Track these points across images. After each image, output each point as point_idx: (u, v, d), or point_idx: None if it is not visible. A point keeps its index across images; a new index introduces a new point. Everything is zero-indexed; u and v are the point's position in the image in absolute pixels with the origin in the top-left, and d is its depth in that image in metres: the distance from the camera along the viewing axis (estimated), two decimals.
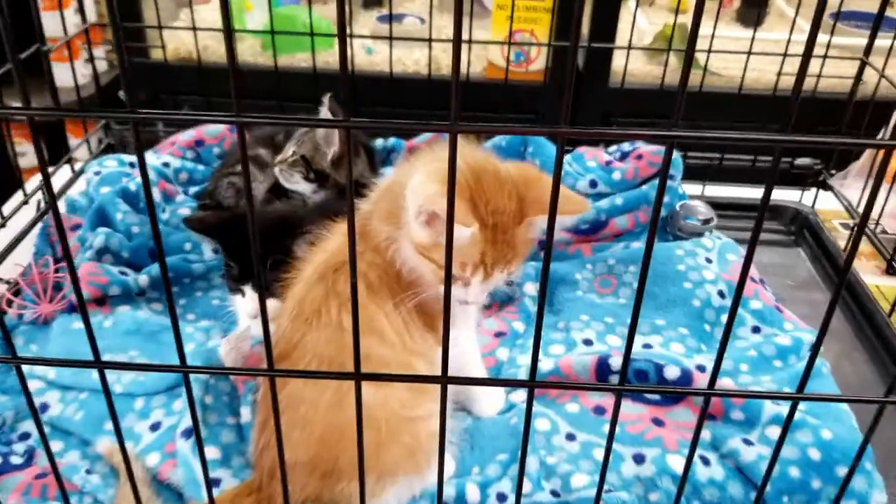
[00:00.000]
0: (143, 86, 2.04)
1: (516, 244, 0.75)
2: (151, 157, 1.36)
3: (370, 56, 1.99)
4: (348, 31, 1.52)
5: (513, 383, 0.91)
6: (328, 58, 1.99)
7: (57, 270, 1.11)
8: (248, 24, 1.96)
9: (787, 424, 0.60)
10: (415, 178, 0.72)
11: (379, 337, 0.76)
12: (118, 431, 0.64)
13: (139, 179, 1.24)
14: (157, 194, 1.27)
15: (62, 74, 1.51)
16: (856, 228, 1.28)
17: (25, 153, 2.33)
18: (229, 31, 0.43)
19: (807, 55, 0.46)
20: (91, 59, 1.38)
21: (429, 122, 0.48)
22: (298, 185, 1.14)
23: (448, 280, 0.53)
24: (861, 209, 1.28)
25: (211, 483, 0.81)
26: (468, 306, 0.82)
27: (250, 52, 2.01)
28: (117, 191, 1.21)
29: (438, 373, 0.57)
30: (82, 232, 1.16)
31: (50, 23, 1.37)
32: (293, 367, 0.75)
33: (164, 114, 0.49)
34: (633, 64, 1.94)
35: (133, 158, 1.36)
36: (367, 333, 0.76)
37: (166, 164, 1.34)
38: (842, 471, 0.82)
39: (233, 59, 0.45)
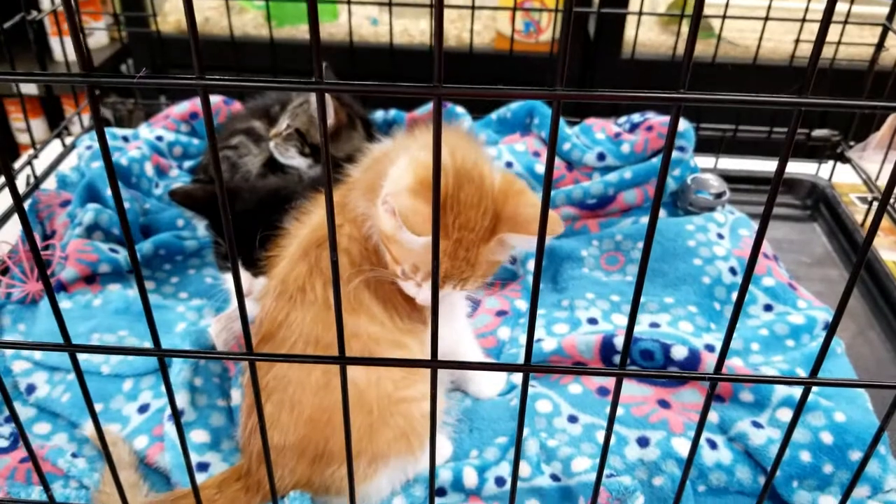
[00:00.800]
0: (145, 58, 2.00)
1: (477, 263, 0.71)
2: (145, 131, 1.32)
3: (375, 27, 1.94)
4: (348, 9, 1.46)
5: (506, 367, 0.86)
6: (331, 29, 1.95)
7: (46, 248, 1.08)
8: None
9: (799, 410, 0.56)
10: (401, 161, 0.68)
11: (367, 314, 0.73)
12: (93, 416, 0.61)
13: (131, 153, 1.21)
14: (150, 169, 1.23)
15: (61, 48, 1.47)
16: (876, 204, 1.23)
17: (25, 129, 2.31)
18: None
19: (826, 19, 0.41)
20: (81, 30, 1.34)
21: (410, 84, 0.44)
22: (294, 159, 1.10)
23: (435, 263, 0.49)
24: (881, 182, 1.23)
25: (197, 468, 0.79)
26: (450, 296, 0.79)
27: (253, 24, 1.97)
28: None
29: (428, 355, 0.54)
30: (72, 208, 1.13)
31: None
32: (279, 347, 0.72)
33: (119, 78, 0.45)
34: (646, 34, 1.89)
35: (127, 132, 1.32)
36: (356, 311, 0.72)
37: (160, 138, 1.30)
38: (855, 455, 0.78)
39: (192, 22, 0.41)
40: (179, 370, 0.85)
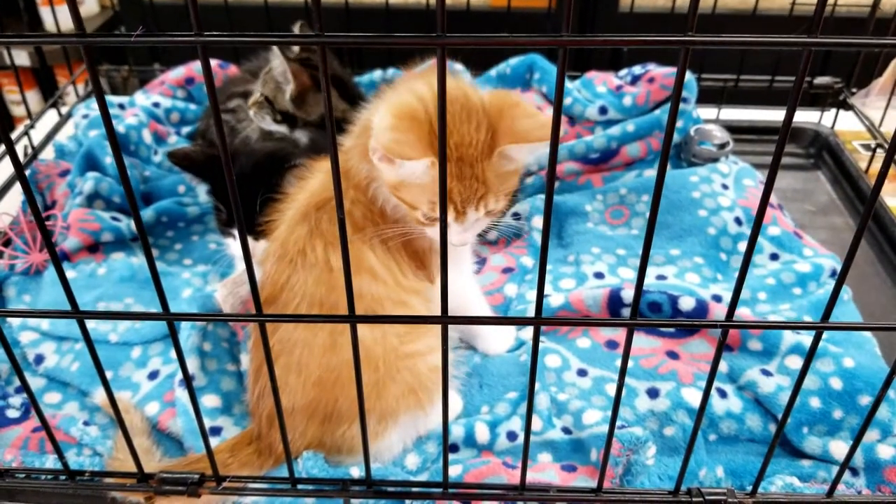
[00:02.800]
0: (137, 26, 1.97)
1: (487, 178, 0.70)
2: (141, 98, 1.31)
3: None
4: None
5: (517, 321, 0.87)
6: None
7: (47, 218, 1.08)
8: None
9: (811, 356, 0.56)
10: (378, 111, 0.68)
11: (370, 274, 0.72)
12: (105, 383, 0.61)
13: (129, 121, 1.20)
14: (148, 136, 1.22)
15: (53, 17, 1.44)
16: (880, 151, 1.22)
17: (21, 102, 2.29)
18: None
19: None
20: None
21: (413, 35, 0.43)
22: (271, 126, 1.08)
23: (444, 215, 0.49)
24: (884, 129, 1.22)
25: (210, 432, 0.79)
26: (458, 248, 0.79)
27: None
28: (105, 134, 1.17)
29: (437, 311, 0.53)
30: (71, 177, 1.12)
31: None
32: (282, 311, 0.72)
33: (113, 37, 0.44)
34: None
35: (123, 99, 1.31)
36: (357, 271, 0.72)
37: (156, 105, 1.29)
38: (864, 400, 0.78)
39: None
40: (188, 336, 0.85)
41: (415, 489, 0.68)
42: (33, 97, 2.27)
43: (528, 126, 0.69)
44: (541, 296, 0.52)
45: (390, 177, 0.69)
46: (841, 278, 0.53)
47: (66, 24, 1.57)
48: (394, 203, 0.73)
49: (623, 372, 0.57)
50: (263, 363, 0.69)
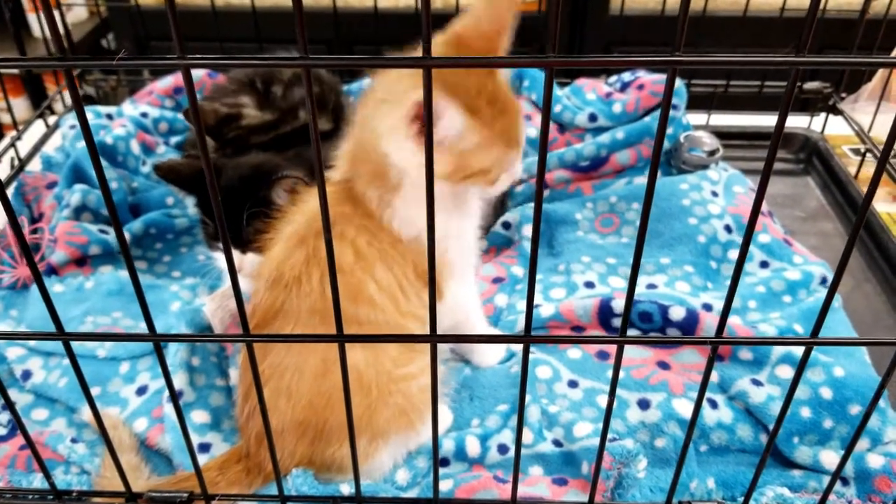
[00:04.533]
0: (126, 32, 1.97)
1: (508, 103, 0.70)
2: (129, 108, 1.30)
3: None
4: None
5: (507, 339, 0.87)
6: None
7: (34, 231, 1.07)
8: None
9: (800, 370, 0.56)
10: (383, 123, 0.67)
11: (369, 304, 0.71)
12: (90, 402, 0.61)
13: (116, 131, 1.19)
14: (136, 147, 1.21)
15: (39, 25, 1.43)
16: (870, 155, 1.22)
17: (5, 108, 2.28)
18: None
19: None
20: (61, 12, 1.31)
21: (398, 57, 0.43)
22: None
23: (431, 233, 0.48)
24: (874, 134, 1.22)
25: (199, 449, 0.78)
26: (470, 255, 0.80)
27: None
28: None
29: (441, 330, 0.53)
30: (59, 189, 1.11)
31: None
32: (274, 345, 0.71)
33: (97, 60, 0.43)
34: None
35: (111, 109, 1.30)
36: (357, 302, 0.71)
37: (144, 115, 1.28)
38: (854, 409, 0.79)
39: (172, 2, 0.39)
40: (176, 351, 0.84)
41: None
42: (20, 105, 2.26)
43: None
44: (529, 314, 0.52)
45: (443, 158, 0.67)
46: (831, 291, 0.53)
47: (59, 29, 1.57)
48: (417, 226, 0.72)
49: (613, 388, 0.57)
50: (252, 384, 0.68)
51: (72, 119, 1.25)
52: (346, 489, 0.71)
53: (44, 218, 1.11)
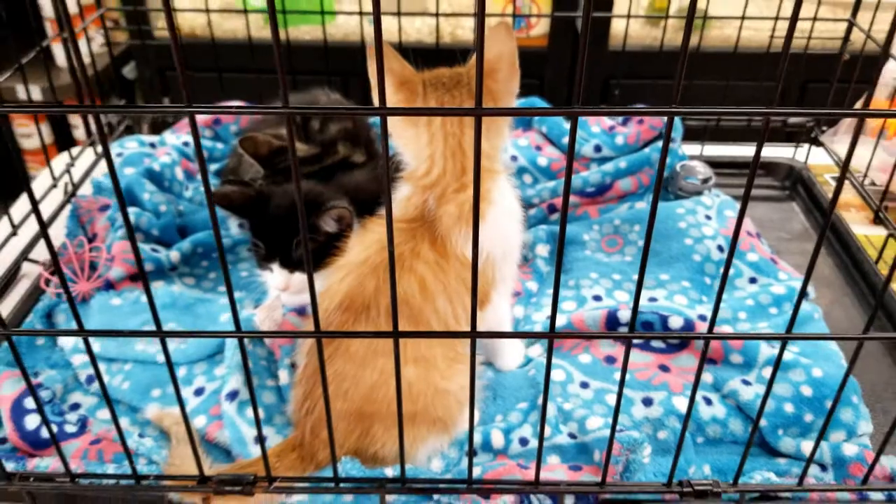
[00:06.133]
0: (147, 62, 2.09)
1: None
2: (171, 137, 1.41)
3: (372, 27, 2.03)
4: (358, 7, 1.55)
5: (535, 335, 1.00)
6: (330, 29, 2.03)
7: (91, 250, 1.18)
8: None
9: (778, 361, 0.67)
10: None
11: (427, 342, 0.83)
12: (177, 390, 0.71)
13: (162, 159, 1.30)
14: (179, 173, 1.32)
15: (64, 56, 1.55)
16: (845, 182, 1.34)
17: (31, 134, 2.39)
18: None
19: (790, 31, 0.52)
20: (80, 64, 1.42)
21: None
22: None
23: (475, 247, 0.59)
24: (852, 165, 1.34)
25: (255, 440, 0.89)
26: (515, 272, 0.95)
27: (254, 26, 2.05)
28: (142, 171, 1.27)
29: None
30: (111, 212, 1.22)
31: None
32: (343, 354, 0.82)
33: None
34: (631, 27, 1.98)
35: (153, 139, 1.41)
36: (417, 326, 0.82)
37: (186, 144, 1.39)
38: (831, 405, 0.89)
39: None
40: (233, 354, 0.95)
41: (442, 486, 0.78)
42: (46, 129, 2.37)
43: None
44: (555, 311, 0.63)
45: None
46: (802, 291, 0.64)
47: (85, 59, 1.68)
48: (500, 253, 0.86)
49: (622, 381, 0.68)
50: (314, 388, 0.80)
51: (118, 147, 1.36)
52: (391, 473, 0.81)
53: (97, 238, 1.21)
